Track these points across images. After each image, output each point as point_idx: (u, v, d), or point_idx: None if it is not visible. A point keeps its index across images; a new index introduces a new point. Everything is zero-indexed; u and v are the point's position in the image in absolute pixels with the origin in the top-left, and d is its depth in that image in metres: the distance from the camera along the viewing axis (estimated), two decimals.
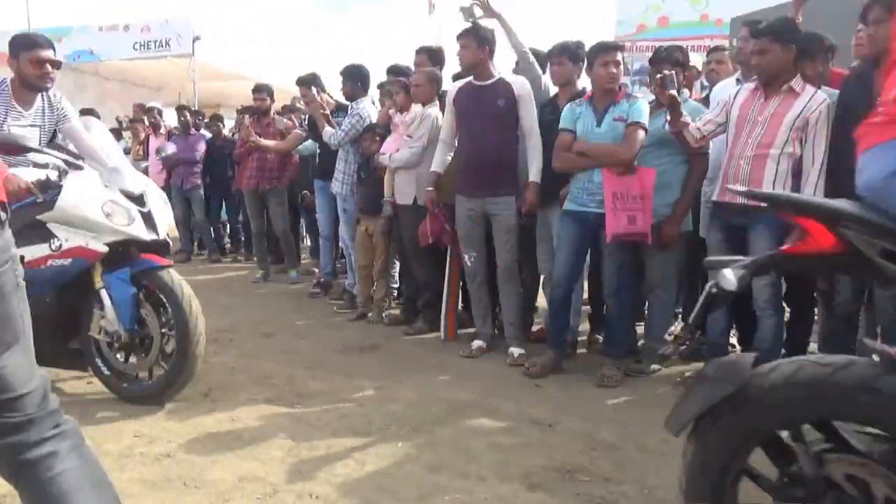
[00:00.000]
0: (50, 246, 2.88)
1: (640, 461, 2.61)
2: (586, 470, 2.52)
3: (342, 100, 5.41)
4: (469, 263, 4.05)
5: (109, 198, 2.97)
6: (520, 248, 3.97)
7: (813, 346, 3.72)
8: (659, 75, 3.32)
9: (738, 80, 3.80)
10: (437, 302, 4.42)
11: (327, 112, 5.21)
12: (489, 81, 3.89)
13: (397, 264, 4.99)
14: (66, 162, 2.80)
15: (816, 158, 3.06)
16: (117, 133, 8.53)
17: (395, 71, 5.07)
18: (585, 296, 4.27)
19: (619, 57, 3.48)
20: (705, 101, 3.96)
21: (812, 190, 3.05)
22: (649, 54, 3.98)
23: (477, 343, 4.06)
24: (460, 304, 4.60)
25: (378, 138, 4.75)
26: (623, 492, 2.37)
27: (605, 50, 3.50)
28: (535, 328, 4.42)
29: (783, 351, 3.42)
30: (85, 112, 9.35)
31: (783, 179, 3.13)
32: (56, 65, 3.23)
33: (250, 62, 13.48)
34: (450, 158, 4.15)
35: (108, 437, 2.77)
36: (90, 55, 14.06)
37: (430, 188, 4.11)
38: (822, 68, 3.38)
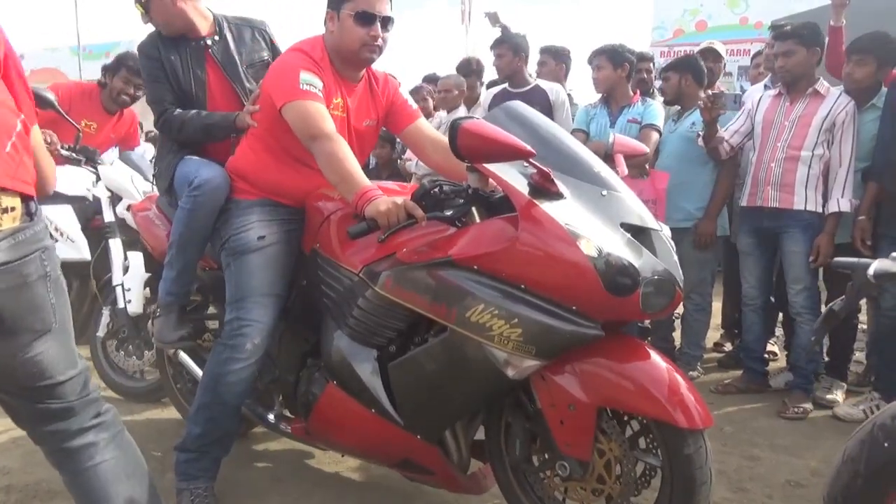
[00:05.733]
0: None
1: None
2: None
3: None
4: None
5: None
6: None
7: (859, 356, 3.63)
8: (712, 92, 3.32)
9: (766, 85, 3.74)
10: None
11: None
12: (524, 88, 3.90)
13: None
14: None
15: (844, 159, 3.08)
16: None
17: (430, 80, 5.13)
18: None
19: (600, 61, 3.47)
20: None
21: (840, 190, 3.06)
22: None
23: None
24: None
25: (388, 144, 4.65)
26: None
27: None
28: None
29: (825, 358, 3.35)
30: None
31: (815, 182, 3.13)
32: None
33: None
34: None
35: (152, 437, 2.76)
36: None
37: None
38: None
